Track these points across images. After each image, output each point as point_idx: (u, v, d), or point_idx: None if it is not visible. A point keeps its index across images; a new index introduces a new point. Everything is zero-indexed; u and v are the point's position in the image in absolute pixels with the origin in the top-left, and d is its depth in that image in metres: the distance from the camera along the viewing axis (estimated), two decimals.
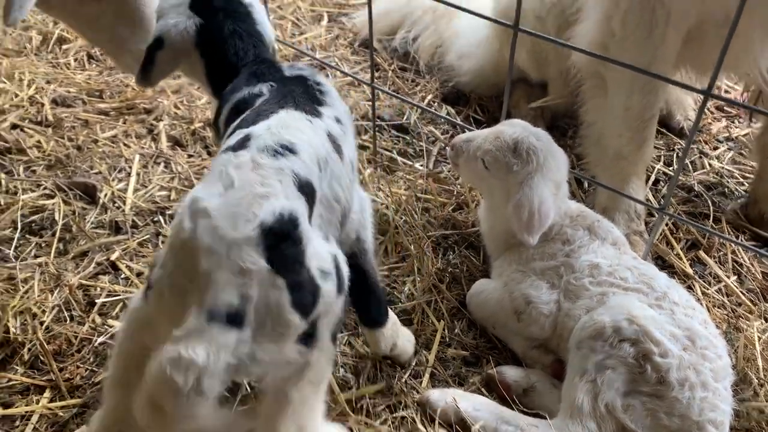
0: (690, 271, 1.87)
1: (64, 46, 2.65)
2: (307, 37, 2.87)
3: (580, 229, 1.66)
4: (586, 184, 2.13)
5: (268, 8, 3.01)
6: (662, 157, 2.28)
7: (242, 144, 1.11)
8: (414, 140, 2.31)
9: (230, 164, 1.06)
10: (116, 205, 2.05)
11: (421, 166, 2.21)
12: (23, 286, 1.77)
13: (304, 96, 1.30)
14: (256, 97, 1.30)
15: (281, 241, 1.00)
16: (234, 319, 0.96)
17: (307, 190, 1.10)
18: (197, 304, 0.95)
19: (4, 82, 2.44)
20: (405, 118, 2.40)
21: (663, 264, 1.91)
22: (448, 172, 2.17)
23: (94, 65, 2.61)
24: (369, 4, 1.96)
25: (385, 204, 2.01)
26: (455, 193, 2.07)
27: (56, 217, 1.99)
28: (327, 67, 2.61)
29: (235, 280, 0.96)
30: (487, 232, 1.78)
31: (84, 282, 1.81)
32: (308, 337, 1.06)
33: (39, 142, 2.25)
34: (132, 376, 1.13)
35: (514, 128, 1.66)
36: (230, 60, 1.43)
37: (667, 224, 2.00)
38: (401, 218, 1.96)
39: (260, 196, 1.01)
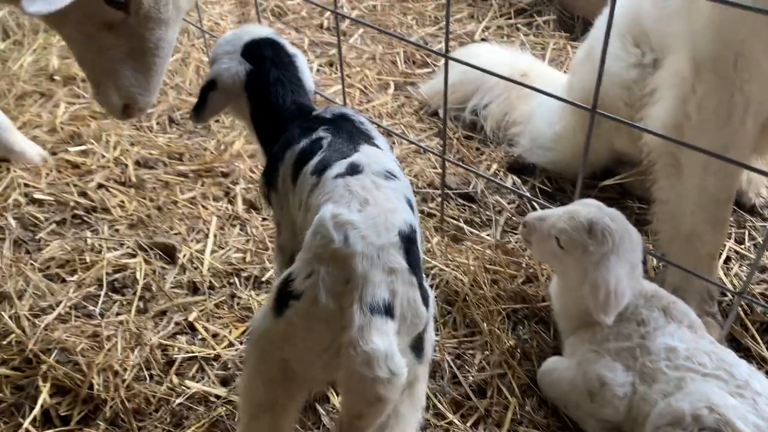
0: (767, 354, 1.83)
1: (149, 111, 2.80)
2: (374, 104, 2.97)
3: (655, 310, 1.65)
4: (654, 261, 2.12)
5: (342, 76, 3.15)
6: (733, 234, 2.26)
7: (354, 170, 1.28)
8: (481, 209, 2.35)
9: (356, 186, 1.24)
10: (194, 265, 2.14)
11: (488, 236, 2.24)
12: (107, 344, 1.85)
13: (359, 132, 1.47)
14: (319, 141, 1.43)
15: (412, 246, 1.19)
16: (389, 311, 1.12)
17: (410, 205, 1.30)
18: (356, 302, 1.10)
19: (92, 144, 2.59)
20: (471, 187, 2.45)
21: (738, 346, 1.87)
22: (516, 243, 2.19)
23: (174, 129, 2.76)
24: (445, 75, 2.03)
25: (454, 274, 2.04)
26: (524, 265, 2.09)
27: (138, 276, 2.09)
28: (393, 134, 2.69)
29: (386, 278, 1.13)
30: (559, 309, 1.79)
31: (163, 341, 1.88)
32: (416, 350, 1.22)
33: (122, 201, 2.37)
34: (278, 395, 1.24)
35: (588, 209, 1.68)
36: (272, 103, 1.60)
37: (740, 304, 1.96)
38: (470, 289, 1.98)
39: (391, 210, 1.20)
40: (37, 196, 2.35)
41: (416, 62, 3.30)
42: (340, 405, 1.22)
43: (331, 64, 3.28)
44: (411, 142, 2.62)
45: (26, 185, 2.38)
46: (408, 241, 1.18)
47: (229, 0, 3.81)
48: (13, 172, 2.42)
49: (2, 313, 1.93)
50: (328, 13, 3.67)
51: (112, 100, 1.83)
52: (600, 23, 2.45)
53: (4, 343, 1.86)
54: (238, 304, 2.02)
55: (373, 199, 1.21)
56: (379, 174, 1.28)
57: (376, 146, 1.43)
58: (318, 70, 3.21)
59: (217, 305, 2.00)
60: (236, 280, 2.10)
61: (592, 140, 1.75)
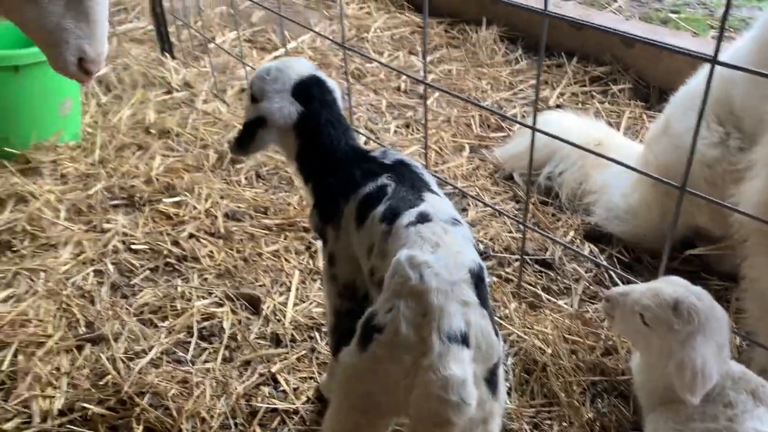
0: None
1: (237, 166, 2.96)
2: (450, 166, 3.05)
3: (743, 392, 1.63)
4: (738, 340, 2.09)
5: (413, 138, 3.26)
6: None
7: (425, 218, 1.41)
8: (558, 277, 2.37)
9: (427, 232, 1.36)
10: (277, 317, 2.23)
11: (566, 304, 2.25)
12: (196, 390, 1.94)
13: (420, 180, 1.59)
14: (384, 187, 1.54)
15: (481, 282, 1.31)
16: (465, 340, 1.22)
17: (475, 248, 1.42)
18: (434, 331, 1.21)
19: (185, 195, 2.75)
20: (548, 253, 2.48)
21: None
22: (594, 313, 2.19)
23: (261, 184, 2.90)
24: (531, 146, 2.08)
25: (532, 342, 2.06)
26: (603, 336, 2.09)
27: (224, 325, 2.18)
28: (469, 196, 2.76)
29: (461, 309, 1.24)
30: (641, 384, 1.78)
31: (247, 393, 1.96)
32: (490, 384, 1.30)
33: (211, 252, 2.50)
34: (362, 426, 1.37)
35: (674, 287, 1.68)
36: (325, 144, 1.68)
37: None
38: (549, 358, 1.99)
39: (460, 251, 1.34)
40: (135, 244, 2.50)
41: (491, 126, 3.38)
42: (406, 429, 1.31)
43: (407, 126, 3.39)
44: (487, 205, 2.68)
45: (125, 233, 2.54)
46: (477, 278, 1.31)
47: (312, 62, 4.00)
48: (114, 223, 2.58)
49: (101, 354, 2.05)
50: (405, 76, 3.81)
51: (65, 58, 1.88)
52: (678, 99, 2.49)
53: (101, 383, 1.97)
54: (317, 358, 2.09)
55: (443, 242, 1.34)
56: (447, 221, 1.42)
57: (436, 193, 1.56)
58: (395, 131, 3.33)
59: (298, 358, 2.07)
60: (316, 334, 2.17)
61: (670, 216, 1.76)
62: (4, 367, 2.00)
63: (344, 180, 1.62)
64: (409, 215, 1.43)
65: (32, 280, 2.34)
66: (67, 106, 3.02)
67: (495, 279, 2.33)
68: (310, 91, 1.68)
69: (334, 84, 1.77)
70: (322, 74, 1.75)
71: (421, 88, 3.72)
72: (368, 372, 1.31)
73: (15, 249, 2.48)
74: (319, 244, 2.53)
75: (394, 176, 1.57)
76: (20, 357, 2.05)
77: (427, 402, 1.19)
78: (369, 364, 1.29)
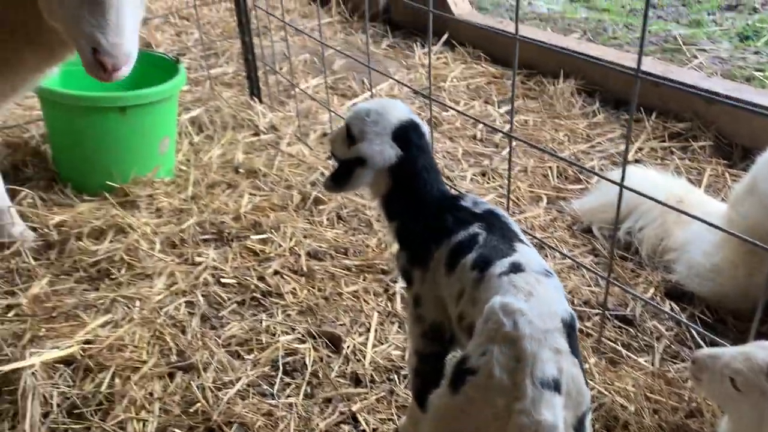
0: None
1: (320, 206, 3.08)
2: (527, 216, 3.08)
3: None
4: None
5: (489, 187, 3.32)
6: None
7: (517, 268, 1.46)
8: (639, 334, 2.36)
9: (520, 281, 1.42)
10: (357, 357, 2.29)
11: (647, 362, 2.23)
12: (280, 424, 2.01)
13: (509, 230, 1.65)
14: (476, 236, 1.60)
15: (571, 331, 1.36)
16: (557, 387, 1.27)
17: (566, 298, 1.48)
18: (528, 377, 1.26)
19: (271, 233, 2.87)
20: (629, 309, 2.46)
21: None
22: (677, 373, 2.16)
23: (341, 225, 3.00)
24: (618, 203, 2.11)
25: (613, 398, 2.04)
26: (686, 398, 2.05)
27: (306, 362, 2.26)
28: (547, 247, 2.78)
29: (553, 356, 1.29)
30: None
31: (328, 430, 2.01)
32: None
33: (294, 289, 2.59)
34: None
35: (766, 352, 1.66)
36: (419, 189, 1.73)
37: None
38: (631, 416, 1.97)
39: (552, 301, 1.39)
40: (224, 278, 2.63)
41: (568, 178, 3.41)
42: None
43: (483, 174, 3.45)
44: (567, 257, 2.69)
45: (215, 267, 2.67)
46: (569, 328, 1.35)
47: None
48: (204, 257, 2.72)
49: (191, 382, 2.15)
50: (481, 125, 3.89)
51: (80, 48, 1.89)
52: (765, 158, 2.46)
53: (191, 410, 2.06)
54: (396, 400, 2.13)
55: (536, 292, 1.39)
56: (539, 272, 1.47)
57: (526, 244, 1.62)
58: (471, 179, 3.39)
59: (377, 399, 2.12)
60: (395, 376, 2.21)
61: (757, 276, 1.74)
62: (102, 389, 2.12)
63: (436, 226, 1.68)
64: (502, 265, 1.48)
65: (128, 307, 2.48)
66: (166, 144, 3.23)
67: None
68: (408, 135, 1.73)
69: (426, 128, 1.83)
70: (417, 118, 1.80)
71: (496, 138, 3.79)
72: (459, 413, 1.36)
73: (113, 277, 2.64)
74: (397, 286, 2.60)
75: (485, 225, 1.63)
76: (117, 380, 2.16)
77: None
78: (460, 405, 1.35)
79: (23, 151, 3.46)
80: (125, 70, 1.99)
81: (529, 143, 2.81)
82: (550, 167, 3.47)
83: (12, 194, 3.01)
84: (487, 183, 3.38)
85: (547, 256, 2.80)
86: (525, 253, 1.55)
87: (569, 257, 2.62)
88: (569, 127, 3.86)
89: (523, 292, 1.39)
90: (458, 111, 3.73)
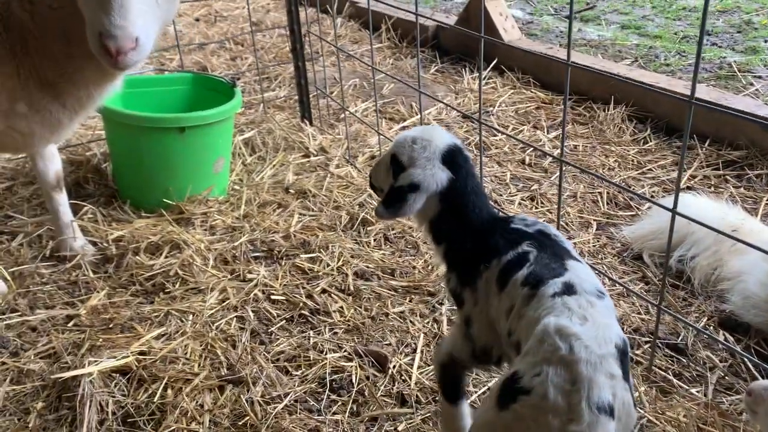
0: None
1: (367, 227, 3.12)
2: (576, 242, 3.06)
3: None
4: None
5: (538, 211, 3.31)
6: None
7: (570, 290, 1.47)
8: (691, 364, 2.30)
9: (574, 304, 1.43)
10: (402, 377, 2.30)
11: (698, 392, 2.17)
12: None
13: (560, 247, 1.65)
14: (526, 254, 1.61)
15: (624, 357, 1.38)
16: (611, 412, 1.30)
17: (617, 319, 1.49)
18: (584, 400, 1.29)
19: (320, 252, 2.92)
20: (680, 338, 2.41)
21: None
22: (730, 405, 2.11)
23: (389, 246, 3.03)
24: (671, 230, 2.08)
25: (664, 428, 2.00)
26: (741, 430, 2.00)
27: (353, 380, 2.28)
28: (598, 273, 2.75)
29: (608, 382, 1.31)
30: None
31: None
32: None
33: (342, 307, 2.63)
34: None
35: None
36: (468, 211, 1.76)
37: None
38: None
39: (607, 326, 1.40)
40: (273, 294, 2.68)
41: (618, 204, 3.37)
42: None
43: (532, 199, 3.45)
44: (617, 283, 2.66)
45: (265, 284, 2.73)
46: (622, 354, 1.38)
47: None
48: (255, 273, 2.79)
49: (240, 395, 2.20)
50: (530, 149, 3.89)
51: (90, 33, 1.88)
52: None
53: (240, 423, 2.10)
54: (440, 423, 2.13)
55: (590, 316, 1.41)
56: (592, 293, 1.48)
57: (578, 260, 1.62)
58: (520, 203, 3.39)
59: (423, 420, 2.12)
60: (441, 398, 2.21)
61: None
62: (155, 399, 2.19)
63: (486, 246, 1.70)
64: (555, 285, 1.50)
65: (182, 320, 2.56)
66: (221, 164, 3.33)
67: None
68: (456, 159, 1.78)
69: (469, 153, 1.86)
70: (461, 143, 1.85)
71: (545, 162, 3.78)
72: (505, 428, 1.39)
73: (168, 291, 2.72)
74: (444, 308, 2.61)
75: (536, 243, 1.65)
76: (169, 391, 2.23)
77: None
78: (507, 422, 1.37)
79: (86, 168, 3.62)
80: (133, 56, 1.91)
81: (580, 168, 2.79)
82: (600, 193, 3.44)
83: (74, 209, 3.15)
84: (536, 208, 3.37)
85: None
86: (578, 271, 1.55)
87: (619, 284, 2.59)
88: (620, 153, 3.82)
89: (578, 315, 1.41)
90: (508, 135, 3.75)
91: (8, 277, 2.76)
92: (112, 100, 3.34)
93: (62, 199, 2.89)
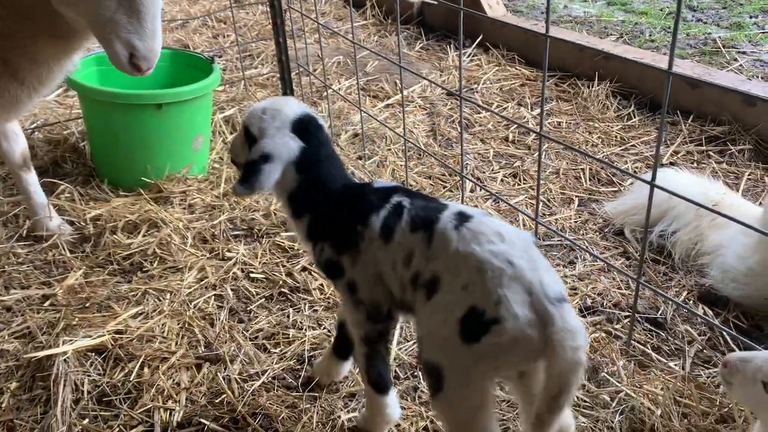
0: None
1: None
2: (557, 218, 3.05)
3: None
4: None
5: (520, 188, 3.29)
6: None
7: (464, 216, 1.55)
8: (670, 338, 2.31)
9: (479, 227, 1.51)
10: None
11: (677, 366, 2.18)
12: (303, 416, 2.02)
13: (422, 194, 1.76)
14: (400, 203, 1.67)
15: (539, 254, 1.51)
16: (565, 297, 1.46)
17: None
18: (545, 301, 1.40)
19: None
20: (660, 312, 2.42)
21: None
22: (708, 378, 2.11)
23: None
24: (649, 203, 2.07)
25: (641, 401, 2.00)
26: (718, 402, 2.00)
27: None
28: (578, 249, 2.75)
29: (552, 274, 1.46)
30: None
31: (350, 425, 2.01)
32: None
33: (321, 285, 2.60)
34: (489, 399, 1.53)
35: None
36: (324, 180, 1.78)
37: None
38: (658, 420, 1.93)
39: (515, 231, 1.53)
40: (253, 273, 2.66)
41: (601, 180, 3.36)
42: (540, 393, 1.41)
43: (515, 176, 3.43)
44: (598, 259, 2.65)
45: (244, 262, 2.71)
46: (538, 251, 1.49)
47: (422, 111, 4.15)
48: (235, 252, 2.76)
49: (218, 373, 2.18)
50: (513, 126, 3.87)
51: (116, 51, 2.00)
52: None
53: (217, 401, 2.09)
54: (420, 397, 2.12)
55: (498, 229, 1.50)
56: (485, 215, 1.57)
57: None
58: (502, 180, 3.37)
59: (401, 395, 2.11)
60: (419, 373, 2.21)
61: None
62: (131, 378, 2.16)
63: (359, 207, 1.73)
64: (449, 218, 1.57)
65: (159, 299, 2.53)
66: (200, 141, 3.28)
67: (603, 335, 2.30)
68: (307, 127, 1.79)
69: (323, 121, 1.88)
70: (313, 112, 1.86)
71: (529, 139, 3.76)
72: (476, 362, 1.45)
73: (145, 269, 2.69)
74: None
75: (404, 193, 1.72)
76: (145, 369, 2.20)
77: (564, 355, 1.34)
78: (480, 354, 1.44)
79: (63, 147, 3.56)
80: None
81: (561, 142, 2.77)
82: (582, 169, 3.43)
83: (51, 189, 3.10)
84: (518, 184, 3.35)
85: (577, 257, 2.77)
86: (453, 203, 1.65)
87: (600, 259, 2.58)
88: (603, 129, 3.81)
89: (492, 234, 1.49)
90: (491, 111, 3.72)
91: None
92: (88, 77, 3.29)
93: (32, 179, 2.83)
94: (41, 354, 2.20)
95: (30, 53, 2.21)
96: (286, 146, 1.74)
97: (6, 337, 2.34)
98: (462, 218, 1.55)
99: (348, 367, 2.11)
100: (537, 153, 3.59)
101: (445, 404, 1.55)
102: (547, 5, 2.12)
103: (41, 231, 2.87)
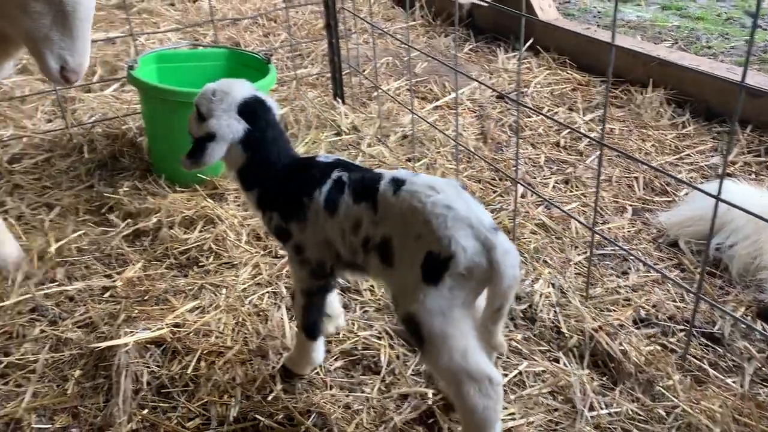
0: None
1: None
2: (610, 226, 3.01)
3: None
4: None
5: (572, 195, 3.26)
6: None
7: (399, 181, 1.74)
8: (727, 354, 2.27)
9: (414, 186, 1.70)
10: None
11: (734, 383, 2.14)
12: (356, 417, 2.05)
13: (357, 165, 1.97)
14: (340, 178, 1.85)
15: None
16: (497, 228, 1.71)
17: None
18: (486, 231, 1.64)
19: None
20: (717, 327, 2.37)
21: None
22: (767, 397, 2.07)
23: None
24: (713, 217, 2.04)
25: (698, 418, 1.98)
26: None
27: (382, 358, 2.29)
28: (631, 259, 2.71)
29: (481, 207, 1.71)
30: None
31: (403, 426, 2.03)
32: None
33: (372, 287, 2.63)
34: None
35: None
36: (270, 158, 1.95)
37: None
38: None
39: (449, 185, 1.71)
40: None
41: (655, 189, 3.31)
42: (484, 309, 1.65)
43: (566, 182, 3.40)
44: (652, 269, 2.61)
45: None
46: (466, 192, 1.71)
47: (471, 113, 4.14)
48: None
49: (273, 369, 2.22)
50: (565, 131, 3.83)
51: (49, 65, 2.18)
52: None
53: (270, 398, 2.13)
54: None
55: (432, 182, 1.70)
56: (414, 175, 1.76)
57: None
58: (554, 187, 3.35)
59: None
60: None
61: None
62: (189, 371, 2.22)
63: (303, 183, 1.90)
64: (386, 186, 1.75)
65: (215, 294, 2.59)
66: None
67: (659, 348, 2.27)
68: (254, 110, 1.94)
69: (274, 104, 2.01)
70: (263, 95, 1.99)
71: (581, 145, 3.72)
72: (444, 299, 1.63)
73: (201, 264, 2.76)
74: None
75: (343, 168, 1.89)
76: (202, 363, 2.26)
77: (507, 272, 1.57)
78: (446, 290, 1.62)
79: (121, 141, 3.66)
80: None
81: (619, 150, 2.74)
82: (636, 178, 3.38)
83: (110, 183, 3.18)
84: (570, 191, 3.32)
85: (630, 268, 2.74)
86: (385, 171, 1.84)
87: (657, 270, 2.55)
88: (657, 137, 3.75)
89: (428, 188, 1.68)
90: (545, 116, 3.69)
91: (52, 249, 2.82)
92: (148, 74, 3.38)
93: None
94: (103, 345, 2.28)
95: None
96: (230, 127, 1.90)
97: (70, 326, 2.43)
98: (397, 183, 1.74)
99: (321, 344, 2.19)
100: (589, 159, 3.56)
101: (432, 351, 1.68)
102: (614, 15, 2.10)
103: None
